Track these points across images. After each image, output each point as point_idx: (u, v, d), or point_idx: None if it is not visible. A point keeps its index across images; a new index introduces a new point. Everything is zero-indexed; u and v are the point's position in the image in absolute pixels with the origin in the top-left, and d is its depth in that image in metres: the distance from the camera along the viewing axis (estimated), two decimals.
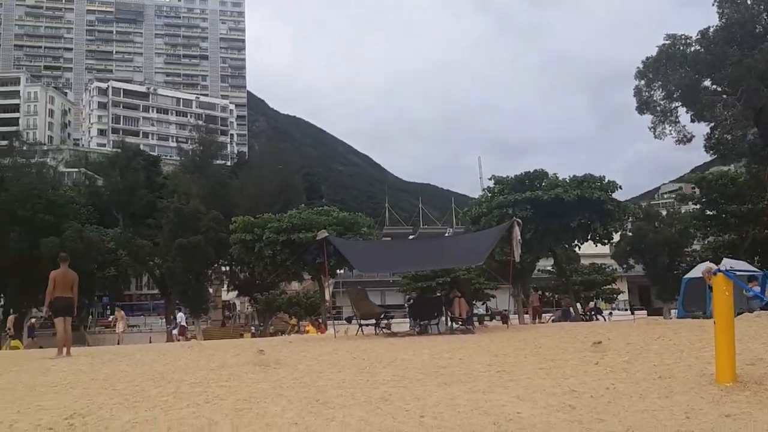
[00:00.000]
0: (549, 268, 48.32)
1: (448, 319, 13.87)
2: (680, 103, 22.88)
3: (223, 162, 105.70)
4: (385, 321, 14.47)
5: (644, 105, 24.69)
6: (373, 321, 14.37)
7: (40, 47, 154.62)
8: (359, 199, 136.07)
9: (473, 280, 40.68)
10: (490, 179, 28.33)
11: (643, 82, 24.39)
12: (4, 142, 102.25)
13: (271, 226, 30.23)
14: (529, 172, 27.46)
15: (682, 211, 54.13)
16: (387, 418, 5.22)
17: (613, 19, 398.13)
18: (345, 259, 15.95)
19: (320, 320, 30.98)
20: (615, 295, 56.43)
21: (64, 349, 11.33)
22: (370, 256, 14.31)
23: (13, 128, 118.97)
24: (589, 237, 27.51)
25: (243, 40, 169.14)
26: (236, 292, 64.89)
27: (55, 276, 11.42)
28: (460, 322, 13.87)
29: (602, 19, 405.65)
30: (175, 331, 34.48)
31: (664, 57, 22.62)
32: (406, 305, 25.67)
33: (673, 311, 52.98)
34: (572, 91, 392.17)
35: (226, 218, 50.44)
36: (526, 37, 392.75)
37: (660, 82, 22.90)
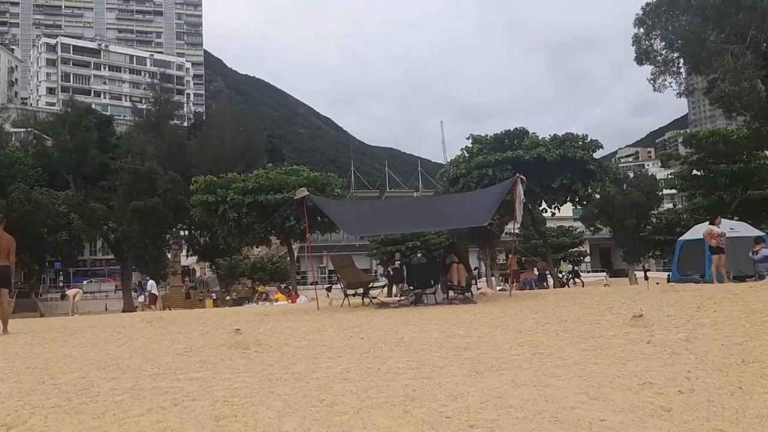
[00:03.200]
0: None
1: (445, 287, 12.57)
2: (681, 53, 21.64)
3: (180, 122, 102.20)
4: (375, 291, 13.04)
5: (643, 55, 23.28)
6: (360, 290, 12.95)
7: None
8: (322, 163, 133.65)
9: (443, 243, 39.69)
10: (467, 138, 26.96)
11: (642, 30, 22.91)
12: None
13: (235, 186, 28.37)
14: (509, 130, 26.21)
15: (656, 175, 54.11)
16: (426, 430, 3.83)
17: None
18: (325, 220, 14.45)
19: (290, 287, 29.49)
20: (582, 258, 56.44)
21: (0, 326, 9.65)
22: (360, 216, 12.67)
23: None
24: (568, 198, 26.51)
25: None
26: (196, 258, 62.94)
27: None
28: (459, 291, 12.56)
29: None
30: (140, 299, 32.38)
31: (665, 2, 21.26)
32: (387, 271, 24.24)
33: (638, 273, 53.31)
34: (532, 55, 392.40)
35: (184, 180, 48.32)
36: (490, 1, 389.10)
37: (660, 31, 21.60)
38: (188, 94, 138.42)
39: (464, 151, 27.30)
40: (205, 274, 63.91)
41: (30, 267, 52.00)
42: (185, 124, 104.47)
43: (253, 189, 27.95)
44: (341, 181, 32.28)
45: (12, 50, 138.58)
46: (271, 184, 28.16)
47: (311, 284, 47.04)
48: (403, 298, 13.24)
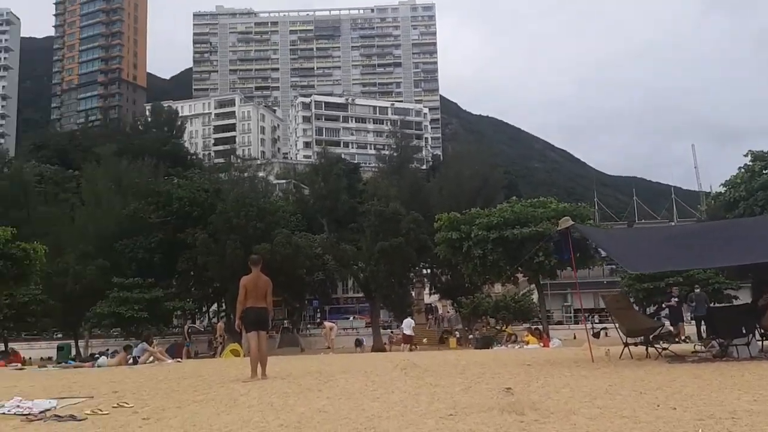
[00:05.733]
0: None
1: (758, 335, 9.96)
2: None
3: (419, 165, 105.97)
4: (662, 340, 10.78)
5: None
6: (641, 339, 10.81)
7: (251, 70, 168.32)
8: (560, 196, 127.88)
9: (710, 279, 34.53)
10: (745, 155, 22.98)
11: None
12: (222, 160, 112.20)
13: (479, 222, 27.34)
14: None
15: None
16: None
17: None
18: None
19: (540, 329, 27.55)
20: None
21: (259, 370, 9.46)
22: (641, 249, 10.48)
23: (231, 146, 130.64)
24: None
25: (434, 44, 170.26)
26: (438, 296, 63.40)
27: (246, 283, 9.60)
28: None
29: None
30: (385, 338, 32.81)
31: None
32: (659, 307, 21.10)
33: None
34: None
35: (425, 219, 48.97)
36: (736, 13, 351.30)
37: None
38: (426, 138, 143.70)
39: (743, 171, 23.38)
40: (448, 312, 64.05)
41: (292, 305, 56.43)
42: (424, 166, 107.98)
43: (498, 224, 26.81)
44: (592, 212, 29.69)
45: (274, 111, 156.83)
46: (516, 217, 26.76)
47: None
48: (703, 350, 10.76)
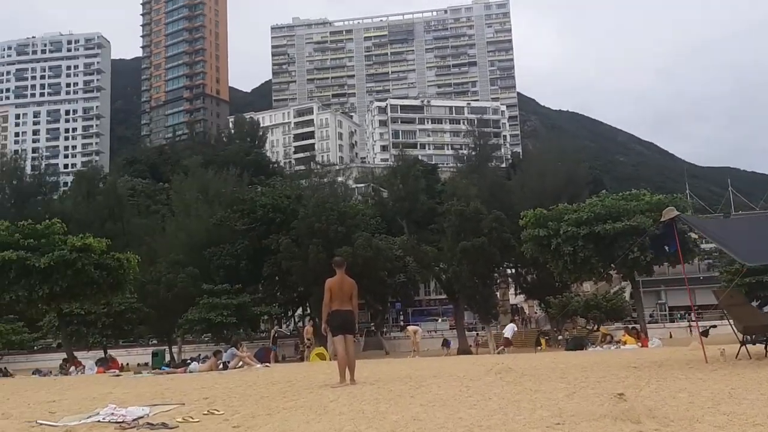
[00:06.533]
0: None
1: None
2: None
3: (499, 164, 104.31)
4: None
5: None
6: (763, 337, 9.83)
7: (328, 78, 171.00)
8: (648, 191, 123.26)
9: None
10: None
11: None
12: (303, 167, 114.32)
13: (568, 218, 26.21)
14: None
15: None
16: None
17: None
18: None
19: (637, 328, 26.18)
20: None
21: (347, 375, 9.18)
22: (760, 239, 9.45)
23: (310, 153, 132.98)
24: None
25: (510, 41, 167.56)
26: (523, 296, 61.97)
27: (331, 285, 9.34)
28: None
29: None
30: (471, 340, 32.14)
31: None
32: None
33: None
34: None
35: (508, 218, 47.90)
36: None
37: None
38: (504, 136, 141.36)
39: None
40: (535, 313, 62.47)
41: (375, 308, 56.53)
42: (504, 164, 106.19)
43: (588, 219, 25.59)
44: (691, 203, 27.94)
45: (351, 117, 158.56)
46: (607, 212, 25.43)
47: (650, 322, 42.08)
48: None
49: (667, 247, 12.24)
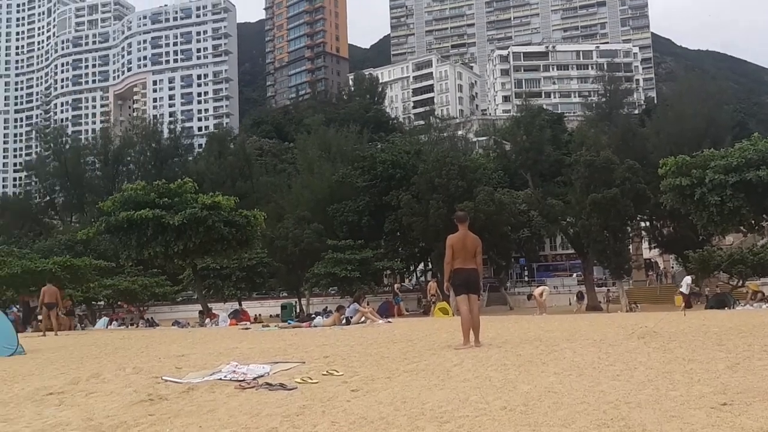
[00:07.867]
0: None
1: None
2: None
3: (631, 110, 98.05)
4: None
5: None
6: None
7: (447, 29, 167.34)
8: None
9: None
10: None
11: None
12: (422, 122, 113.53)
13: (715, 164, 23.72)
14: None
15: None
16: None
17: None
18: None
19: None
20: None
21: (471, 336, 8.62)
22: None
23: (429, 107, 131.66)
24: None
25: None
26: (658, 250, 58.51)
27: (453, 242, 8.71)
28: None
29: None
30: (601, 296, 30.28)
31: None
32: None
33: None
34: None
35: (642, 168, 44.87)
36: None
37: None
38: (637, 80, 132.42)
39: None
40: (672, 268, 58.84)
41: (498, 263, 55.54)
42: (636, 111, 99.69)
43: (738, 166, 23.02)
44: None
45: (471, 67, 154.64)
46: (761, 157, 22.67)
47: None
48: None
49: None
